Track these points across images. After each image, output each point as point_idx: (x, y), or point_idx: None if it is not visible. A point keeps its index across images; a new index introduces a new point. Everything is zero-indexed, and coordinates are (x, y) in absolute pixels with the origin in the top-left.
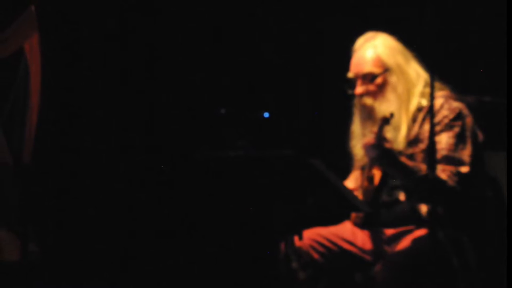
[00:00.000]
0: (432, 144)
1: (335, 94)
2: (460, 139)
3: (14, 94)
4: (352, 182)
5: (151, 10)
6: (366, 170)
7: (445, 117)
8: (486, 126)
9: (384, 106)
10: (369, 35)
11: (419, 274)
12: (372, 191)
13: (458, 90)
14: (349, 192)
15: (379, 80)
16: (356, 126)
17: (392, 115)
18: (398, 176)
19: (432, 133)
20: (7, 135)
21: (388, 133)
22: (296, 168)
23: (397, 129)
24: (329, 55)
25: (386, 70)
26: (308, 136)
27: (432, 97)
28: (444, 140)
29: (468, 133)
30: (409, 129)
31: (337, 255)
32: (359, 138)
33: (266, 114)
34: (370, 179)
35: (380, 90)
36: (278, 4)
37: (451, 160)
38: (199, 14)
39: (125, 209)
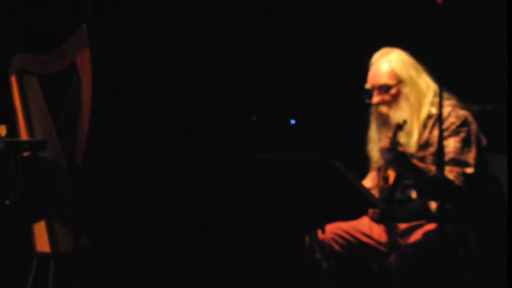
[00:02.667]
0: (440, 148)
1: (355, 103)
2: (465, 144)
3: (68, 103)
4: (369, 181)
5: (190, 27)
6: (382, 171)
7: (452, 123)
8: (489, 131)
9: (398, 114)
10: (384, 50)
11: (429, 263)
12: (387, 190)
13: (464, 99)
14: (367, 190)
15: (393, 90)
16: (373, 132)
17: (405, 122)
18: (410, 177)
19: (441, 138)
20: (62, 140)
21: (402, 138)
22: (319, 169)
23: (409, 134)
24: (349, 68)
25: (399, 81)
26: (331, 141)
27: (440, 106)
28: (451, 144)
29: (473, 138)
30: (420, 135)
31: (356, 247)
32: (376, 143)
33: (293, 121)
34: (386, 179)
35: (394, 100)
36: (305, 24)
37: (458, 162)
38: (235, 35)
39: (168, 206)
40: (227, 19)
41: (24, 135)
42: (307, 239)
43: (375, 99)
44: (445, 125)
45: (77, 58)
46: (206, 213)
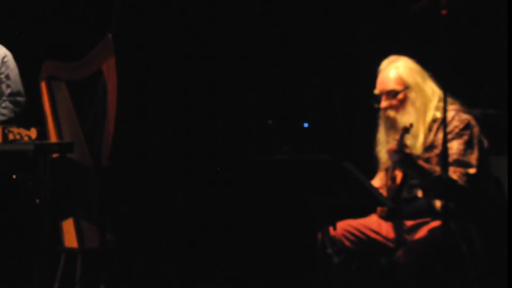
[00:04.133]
0: (445, 149)
1: (364, 108)
2: (468, 146)
3: (95, 108)
4: (378, 181)
5: (210, 36)
6: (389, 171)
7: (456, 127)
8: (490, 134)
9: (405, 118)
10: (392, 58)
11: (434, 258)
12: (395, 189)
13: (466, 104)
14: (376, 190)
15: (400, 96)
16: (382, 135)
17: (411, 125)
18: (416, 177)
19: (445, 141)
20: (89, 142)
21: (408, 140)
22: (331, 169)
23: (415, 137)
24: (359, 75)
25: (406, 87)
26: (342, 143)
27: (445, 110)
28: (455, 146)
29: (475, 140)
30: (426, 137)
31: (365, 243)
32: (384, 145)
33: (306, 125)
34: (393, 179)
35: (401, 104)
36: (320, 35)
37: (461, 163)
38: (253, 44)
39: (189, 204)
40: (246, 30)
41: (53, 138)
42: (319, 235)
43: (383, 104)
44: (449, 128)
45: (103, 65)
46: (226, 210)
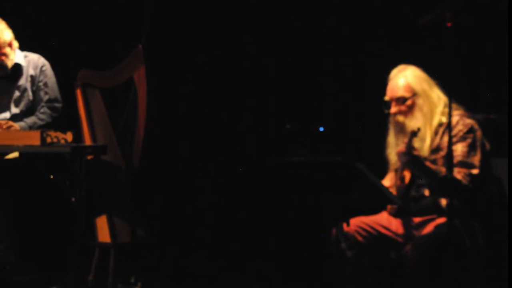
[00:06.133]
0: (450, 151)
1: (375, 113)
2: (471, 148)
3: (126, 113)
4: (388, 181)
5: (234, 47)
6: (398, 172)
7: (460, 131)
8: (492, 137)
9: (413, 123)
10: (401, 67)
11: (440, 252)
12: (404, 188)
13: (470, 110)
14: (386, 189)
15: (409, 102)
16: (391, 138)
17: (419, 129)
18: (424, 177)
19: (450, 143)
20: (121, 144)
21: (416, 143)
22: (345, 170)
23: (423, 140)
24: (371, 83)
25: (414, 94)
26: (354, 145)
27: (450, 115)
28: (459, 149)
29: (478, 143)
30: (432, 140)
31: (376, 238)
32: (394, 147)
33: (321, 129)
34: (402, 179)
35: (409, 110)
36: (334, 47)
37: (465, 164)
38: (272, 55)
39: (213, 202)
40: (267, 42)
41: (88, 141)
42: (333, 231)
43: (393, 109)
44: (453, 132)
45: (134, 74)
46: (248, 207)
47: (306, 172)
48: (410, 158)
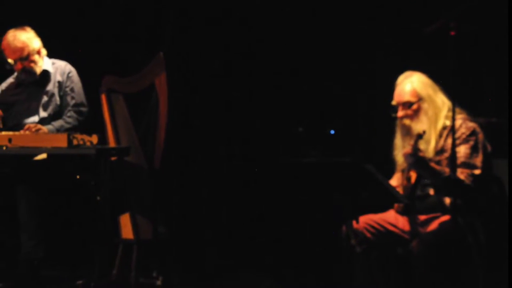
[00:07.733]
0: (453, 153)
1: (383, 117)
2: (474, 150)
3: (148, 117)
4: (395, 181)
5: (248, 54)
6: (405, 172)
7: (463, 133)
8: (493, 140)
9: (419, 126)
10: (407, 73)
11: (444, 248)
12: (410, 188)
13: (472, 113)
14: (393, 188)
15: (415, 106)
16: (398, 140)
17: (424, 132)
18: (429, 177)
19: (453, 145)
20: (143, 147)
21: (421, 145)
22: (354, 170)
23: (428, 142)
24: (379, 89)
25: (420, 99)
26: (363, 147)
27: (453, 119)
28: (462, 150)
29: (480, 145)
30: (437, 142)
31: (384, 235)
32: (400, 149)
33: (332, 131)
34: (408, 179)
35: (415, 114)
36: (345, 53)
37: (467, 165)
38: (286, 60)
39: (228, 201)
40: (279, 50)
41: (112, 143)
42: (343, 228)
43: (400, 113)
44: (457, 135)
45: (156, 80)
46: (261, 205)
47: (317, 172)
48: (416, 159)
